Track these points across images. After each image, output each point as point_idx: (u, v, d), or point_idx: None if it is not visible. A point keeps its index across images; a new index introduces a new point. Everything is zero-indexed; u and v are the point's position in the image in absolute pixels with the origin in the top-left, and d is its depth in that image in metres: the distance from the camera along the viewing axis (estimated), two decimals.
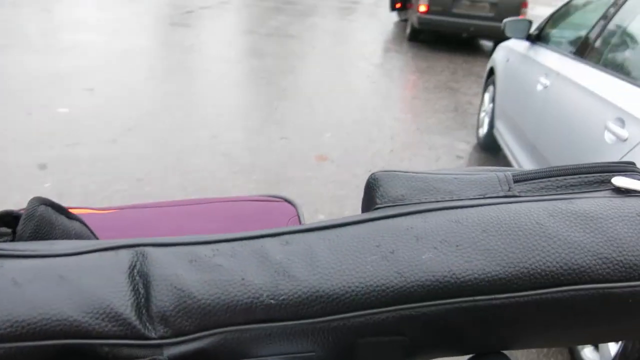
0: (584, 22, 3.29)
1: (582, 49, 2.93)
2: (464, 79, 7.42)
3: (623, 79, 2.37)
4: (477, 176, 0.42)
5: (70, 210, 0.44)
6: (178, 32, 9.01)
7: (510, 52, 4.25)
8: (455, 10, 9.05)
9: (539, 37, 3.83)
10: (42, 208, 0.39)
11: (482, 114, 4.86)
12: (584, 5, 3.54)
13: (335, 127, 4.89)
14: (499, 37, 9.96)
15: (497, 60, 4.54)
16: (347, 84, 6.54)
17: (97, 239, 0.46)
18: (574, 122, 2.59)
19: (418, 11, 9.17)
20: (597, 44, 2.82)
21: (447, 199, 0.39)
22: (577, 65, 2.86)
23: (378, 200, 0.40)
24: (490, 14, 8.99)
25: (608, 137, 2.24)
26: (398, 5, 11.57)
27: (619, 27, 2.75)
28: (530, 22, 3.90)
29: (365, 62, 7.93)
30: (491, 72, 4.78)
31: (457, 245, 0.35)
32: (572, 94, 2.71)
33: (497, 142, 4.28)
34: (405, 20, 12.00)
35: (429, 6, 9.09)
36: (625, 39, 2.68)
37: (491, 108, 4.55)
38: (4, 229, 0.38)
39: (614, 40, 2.74)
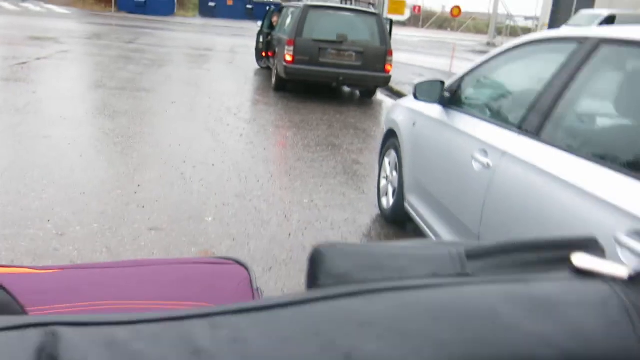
0: (522, 87, 2.86)
1: (535, 126, 2.44)
2: (343, 132, 6.96)
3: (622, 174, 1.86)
4: (428, 252, 0.41)
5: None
6: (9, 89, 7.56)
7: (416, 115, 3.76)
8: (322, 60, 8.69)
9: (453, 101, 3.37)
10: None
11: (384, 182, 4.32)
12: (513, 66, 3.14)
13: (216, 207, 4.03)
14: (366, 86, 10.00)
15: (399, 123, 4.03)
16: (220, 146, 5.71)
17: (20, 306, 0.45)
18: (551, 218, 2.06)
19: (284, 61, 8.67)
20: (555, 121, 2.34)
21: (395, 276, 0.38)
22: (535, 145, 2.36)
23: (320, 278, 0.38)
24: (357, 63, 8.77)
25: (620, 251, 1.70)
26: (263, 54, 11.03)
27: (582, 101, 2.31)
28: (442, 84, 3.44)
29: (234, 117, 7.16)
30: (390, 134, 4.27)
31: (404, 335, 0.32)
32: (542, 184, 2.18)
33: (408, 215, 3.74)
34: (268, 68, 11.51)
35: (294, 56, 8.63)
36: (595, 119, 2.23)
37: (396, 177, 4.02)
38: None
39: (579, 119, 2.28)
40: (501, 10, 32.09)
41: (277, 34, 9.84)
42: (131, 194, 4.09)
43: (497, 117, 2.91)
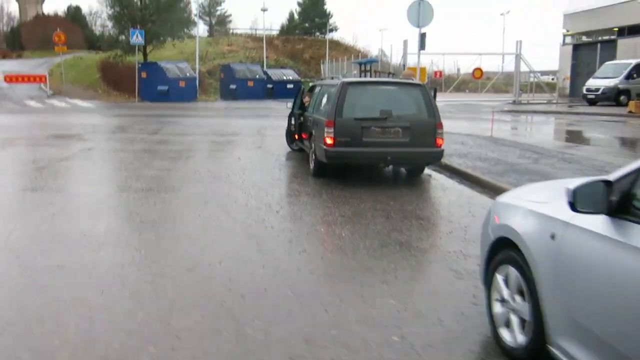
0: None
1: None
2: (405, 225, 5.93)
3: None
4: None
5: None
6: (24, 202, 6.79)
7: (555, 224, 2.71)
8: (366, 139, 7.81)
9: (626, 208, 2.33)
10: None
11: (499, 307, 3.23)
12: None
13: None
14: (417, 164, 8.83)
15: (522, 232, 2.98)
16: (268, 260, 4.71)
17: None
18: None
19: (324, 144, 7.81)
20: None
21: None
22: None
23: None
24: (405, 139, 7.86)
25: None
26: (296, 137, 10.27)
27: None
28: (607, 185, 2.40)
29: (276, 216, 6.21)
30: (501, 244, 3.22)
31: None
32: None
33: None
34: (301, 150, 10.70)
35: (335, 138, 7.77)
36: None
37: (522, 305, 2.94)
38: None
39: None
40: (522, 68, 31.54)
41: (312, 114, 9.06)
42: (168, 352, 3.06)
43: None
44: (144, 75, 28.15)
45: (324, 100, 8.52)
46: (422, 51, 14.94)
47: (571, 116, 22.02)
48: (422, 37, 13.88)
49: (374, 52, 56.52)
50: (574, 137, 15.36)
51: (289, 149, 11.35)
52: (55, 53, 32.68)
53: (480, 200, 7.26)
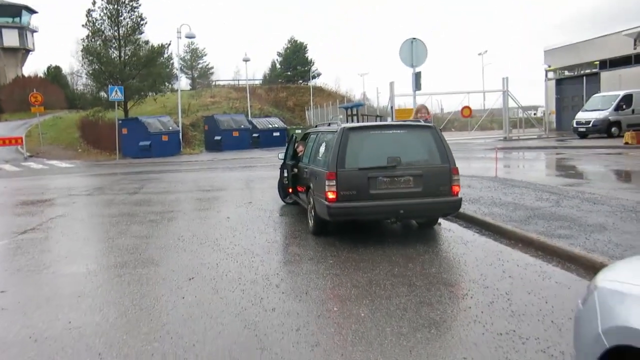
0: None
1: None
2: (434, 296, 4.88)
3: None
4: None
5: None
6: None
7: None
8: (373, 192, 6.81)
9: None
10: None
11: None
12: None
13: None
14: (433, 216, 7.34)
15: None
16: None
17: None
18: None
19: (326, 199, 6.80)
20: None
21: None
22: None
23: None
24: (417, 189, 6.88)
25: None
26: (290, 190, 9.27)
27: None
28: None
29: (277, 292, 5.11)
30: (619, 354, 2.18)
31: None
32: None
33: None
34: (295, 203, 9.69)
35: (338, 192, 6.77)
36: None
37: None
38: None
39: None
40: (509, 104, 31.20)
41: (308, 165, 8.08)
42: None
43: None
44: (124, 131, 27.25)
45: (322, 149, 7.56)
46: (411, 91, 14.21)
47: (568, 150, 21.34)
48: (417, 76, 13.14)
49: (356, 96, 56.58)
50: (582, 173, 14.54)
51: (282, 203, 10.34)
52: (34, 114, 31.76)
53: (513, 256, 6.24)
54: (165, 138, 27.53)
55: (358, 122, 35.14)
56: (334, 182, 6.77)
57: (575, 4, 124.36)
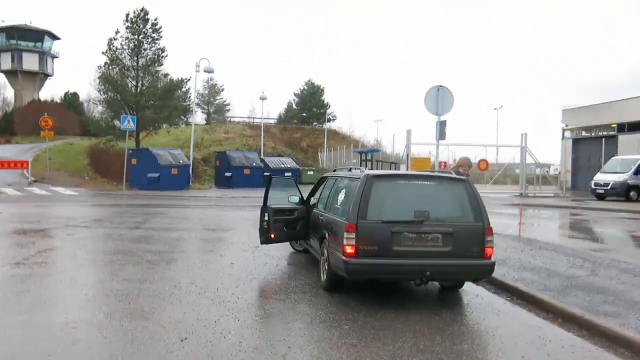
0: None
1: None
2: None
3: None
4: None
5: None
6: None
7: None
8: (397, 248, 6.06)
9: None
10: None
11: None
12: None
13: None
14: (462, 279, 6.29)
15: None
16: None
17: None
18: None
19: (344, 254, 6.05)
20: None
21: None
22: None
23: None
24: (446, 248, 6.13)
25: None
26: (273, 236, 8.41)
27: None
28: None
29: None
30: None
31: None
32: None
33: None
34: (306, 251, 8.95)
35: (357, 246, 6.02)
36: None
37: None
38: None
39: None
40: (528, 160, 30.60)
41: (324, 213, 7.36)
42: None
43: None
44: (134, 161, 26.76)
45: (341, 196, 6.85)
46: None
47: (588, 212, 20.50)
48: (442, 125, 12.52)
49: (370, 141, 56.24)
50: (608, 237, 13.70)
51: (291, 250, 9.58)
52: (49, 139, 31.45)
53: (555, 334, 5.43)
54: (174, 171, 26.99)
55: (373, 168, 34.63)
56: (353, 235, 6.03)
57: (591, 72, 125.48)
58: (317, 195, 8.61)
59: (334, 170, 8.64)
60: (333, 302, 6.30)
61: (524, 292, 6.76)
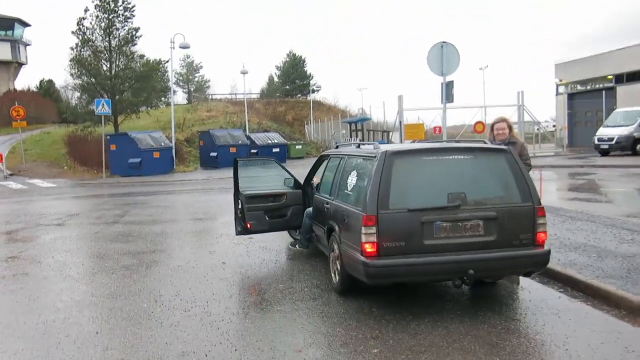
0: None
1: None
2: None
3: None
4: None
5: None
6: None
7: None
8: (428, 242, 4.81)
9: None
10: None
11: None
12: None
13: None
14: (512, 273, 4.44)
15: None
16: None
17: None
18: None
19: (362, 253, 4.79)
20: None
21: None
22: None
23: None
24: (490, 237, 4.90)
25: None
26: (249, 226, 7.25)
27: None
28: None
29: None
30: None
31: None
32: None
33: None
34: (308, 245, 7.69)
35: (379, 243, 4.77)
36: None
37: None
38: None
39: None
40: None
41: (330, 200, 6.07)
42: None
43: None
44: (113, 147, 25.23)
45: (352, 179, 5.56)
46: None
47: (598, 170, 19.39)
48: (449, 86, 11.19)
49: (354, 111, 54.67)
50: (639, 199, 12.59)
51: (289, 239, 8.33)
52: (23, 129, 29.66)
53: None
54: (156, 155, 25.51)
55: (364, 138, 33.24)
56: (373, 230, 4.76)
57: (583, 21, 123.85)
58: (317, 176, 7.36)
59: (337, 147, 7.33)
60: (351, 312, 5.07)
61: (581, 282, 5.55)
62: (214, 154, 28.67)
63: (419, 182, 4.99)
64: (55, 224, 11.42)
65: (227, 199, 15.13)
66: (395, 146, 5.38)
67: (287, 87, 66.93)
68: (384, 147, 5.20)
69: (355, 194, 5.29)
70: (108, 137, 25.64)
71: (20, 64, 76.13)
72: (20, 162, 28.35)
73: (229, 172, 7.65)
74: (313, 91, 59.20)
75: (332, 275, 5.85)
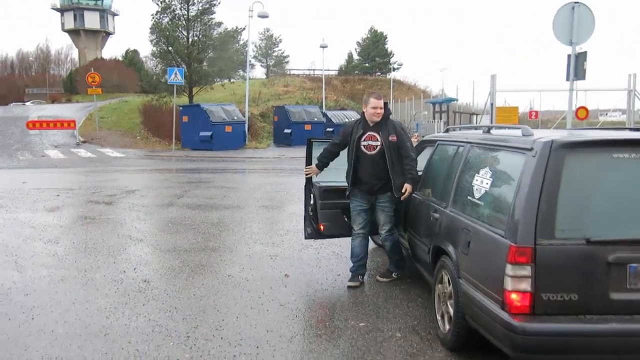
0: None
1: None
2: None
3: None
4: None
5: None
6: None
7: None
8: (618, 296, 2.88)
9: None
10: None
11: None
12: None
13: None
14: None
15: None
16: None
17: None
18: None
19: (507, 308, 2.92)
20: None
21: None
22: None
23: None
24: None
25: None
26: (322, 227, 5.58)
27: None
28: None
29: None
30: None
31: None
32: None
33: None
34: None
35: (535, 294, 2.88)
36: None
37: None
38: None
39: None
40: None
41: (442, 209, 4.20)
42: None
43: None
44: (185, 119, 24.28)
45: (483, 181, 3.66)
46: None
47: None
48: (580, 58, 8.90)
49: (434, 92, 51.64)
50: None
51: (372, 245, 6.53)
52: (104, 97, 29.60)
53: None
54: (228, 129, 24.34)
55: (448, 121, 30.70)
56: (528, 271, 2.88)
57: None
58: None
59: (446, 131, 5.41)
60: None
61: None
62: (288, 130, 27.22)
63: (607, 196, 3.03)
64: (106, 202, 10.21)
65: (298, 182, 13.52)
66: (563, 134, 3.39)
67: (367, 64, 64.68)
68: (542, 134, 3.25)
69: (491, 207, 3.40)
70: (180, 107, 24.74)
71: (108, 34, 78.38)
72: (94, 130, 28.16)
73: (303, 151, 5.88)
74: (393, 69, 56.61)
75: (439, 318, 4.02)
